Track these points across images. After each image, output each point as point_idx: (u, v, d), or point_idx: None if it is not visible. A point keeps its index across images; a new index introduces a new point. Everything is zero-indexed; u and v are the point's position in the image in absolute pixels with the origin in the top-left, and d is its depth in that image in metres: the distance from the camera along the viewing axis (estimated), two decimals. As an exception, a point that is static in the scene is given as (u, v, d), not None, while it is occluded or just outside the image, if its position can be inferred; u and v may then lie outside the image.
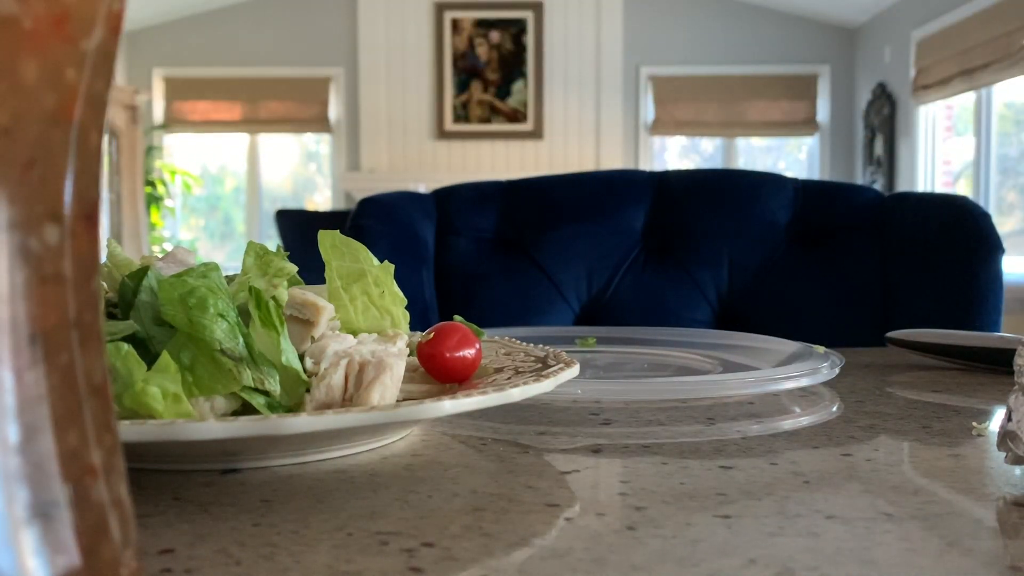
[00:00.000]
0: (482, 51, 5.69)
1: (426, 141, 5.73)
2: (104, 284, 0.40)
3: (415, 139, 5.73)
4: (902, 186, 5.13)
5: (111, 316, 0.39)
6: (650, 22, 5.74)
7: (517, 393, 0.38)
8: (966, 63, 4.50)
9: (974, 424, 0.45)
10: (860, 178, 5.69)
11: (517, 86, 5.70)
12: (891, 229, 1.10)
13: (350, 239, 0.43)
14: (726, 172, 1.23)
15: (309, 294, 0.41)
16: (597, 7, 5.68)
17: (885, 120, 5.35)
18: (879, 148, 5.41)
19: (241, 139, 5.79)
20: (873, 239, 1.09)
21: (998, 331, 1.10)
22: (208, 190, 6.04)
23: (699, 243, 1.11)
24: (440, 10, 5.67)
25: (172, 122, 5.79)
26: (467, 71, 5.70)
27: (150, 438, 0.31)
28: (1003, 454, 0.35)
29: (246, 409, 0.37)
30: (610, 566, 0.27)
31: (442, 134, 5.72)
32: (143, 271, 0.38)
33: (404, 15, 5.68)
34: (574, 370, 0.43)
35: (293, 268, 0.41)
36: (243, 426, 0.32)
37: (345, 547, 0.28)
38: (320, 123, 5.80)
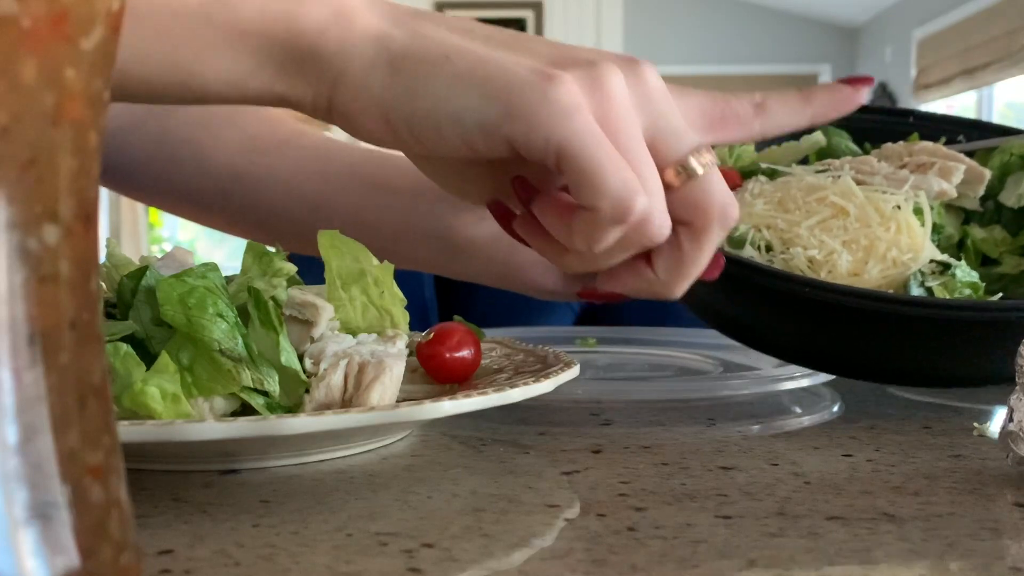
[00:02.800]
0: (482, 51, 5.69)
1: (426, 141, 5.74)
2: (103, 284, 0.40)
3: (415, 139, 5.73)
4: (902, 186, 5.14)
5: (110, 316, 0.39)
6: (650, 22, 5.75)
7: (517, 393, 0.38)
8: (967, 63, 4.50)
9: (975, 424, 0.45)
10: (860, 178, 5.69)
11: (517, 86, 5.70)
12: (891, 229, 1.09)
13: (349, 239, 0.43)
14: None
15: (309, 294, 0.40)
16: (597, 6, 5.68)
17: (885, 120, 5.35)
18: (879, 148, 5.41)
19: (241, 139, 5.80)
20: (873, 239, 1.09)
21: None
22: (208, 190, 6.04)
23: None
24: (440, 9, 5.67)
25: (172, 122, 5.79)
26: (467, 71, 5.70)
27: (149, 438, 0.31)
28: (1004, 455, 0.35)
29: (245, 410, 0.37)
30: (610, 567, 0.27)
31: (442, 134, 5.72)
32: (142, 271, 0.38)
33: (404, 15, 5.69)
34: (574, 370, 0.43)
35: (292, 268, 0.41)
36: (242, 426, 0.32)
37: (345, 548, 0.28)
38: (320, 122, 5.80)
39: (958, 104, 4.89)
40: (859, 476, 0.37)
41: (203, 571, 0.26)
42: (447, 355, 0.43)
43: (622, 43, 5.70)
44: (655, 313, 1.08)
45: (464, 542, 0.29)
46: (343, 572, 0.26)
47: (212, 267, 0.38)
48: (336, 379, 0.38)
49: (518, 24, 5.67)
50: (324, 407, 0.37)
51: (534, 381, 0.39)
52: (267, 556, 0.27)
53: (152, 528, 0.30)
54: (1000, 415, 0.47)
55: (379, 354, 0.39)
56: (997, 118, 4.55)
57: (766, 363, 0.60)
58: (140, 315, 0.37)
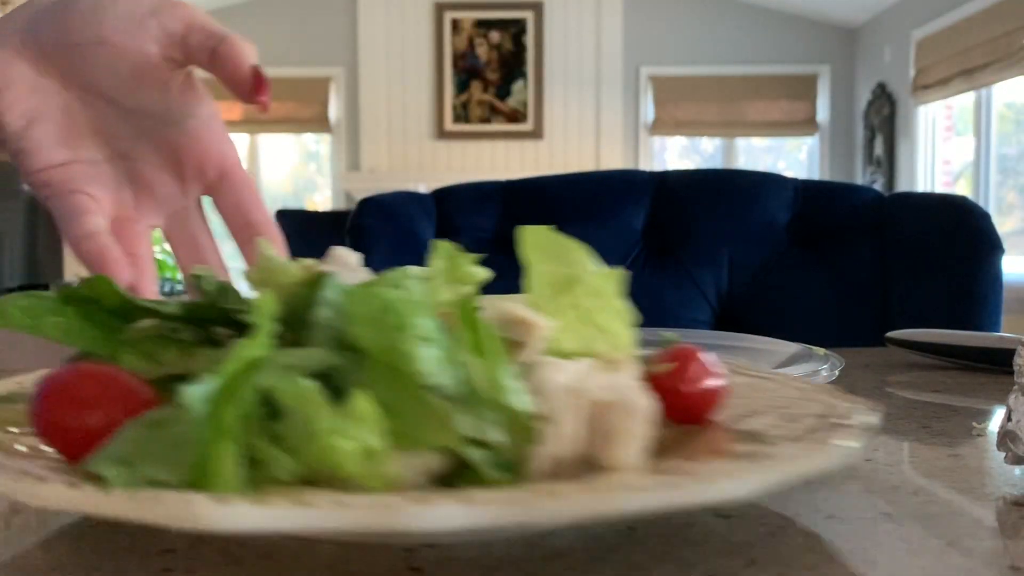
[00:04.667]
0: (482, 51, 5.69)
1: (426, 141, 5.73)
2: (270, 296, 0.28)
3: (415, 139, 5.73)
4: (902, 186, 5.13)
5: (275, 338, 0.28)
6: (650, 22, 5.75)
7: (805, 466, 0.26)
8: (966, 63, 4.50)
9: (974, 424, 0.45)
10: (860, 178, 5.69)
11: (517, 86, 5.70)
12: (891, 229, 1.10)
13: (563, 236, 0.34)
14: (726, 172, 1.23)
15: (519, 306, 0.32)
16: (597, 7, 5.68)
17: (885, 120, 5.35)
18: (879, 148, 5.41)
19: (241, 139, 5.79)
20: (873, 239, 1.09)
21: (998, 331, 1.10)
22: (208, 190, 6.03)
23: (699, 243, 1.11)
24: (440, 10, 5.67)
25: (172, 122, 5.78)
26: (467, 71, 5.70)
27: (358, 526, 0.22)
28: (1003, 454, 0.35)
29: (458, 468, 0.28)
30: (610, 566, 0.27)
31: (442, 134, 5.71)
32: (321, 278, 0.29)
33: (404, 15, 5.68)
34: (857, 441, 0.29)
35: (484, 273, 0.33)
36: (497, 511, 0.23)
37: (345, 547, 0.28)
38: (320, 123, 5.80)
39: (957, 104, 4.89)
40: (858, 475, 0.37)
41: (204, 570, 0.26)
42: (691, 388, 0.34)
43: (622, 43, 5.70)
44: (655, 313, 1.08)
45: (465, 541, 0.29)
46: (343, 571, 0.26)
47: (408, 273, 0.29)
48: (571, 425, 0.29)
49: (518, 24, 5.67)
50: (557, 464, 0.29)
51: (813, 443, 0.29)
52: (267, 555, 0.28)
53: (153, 527, 0.30)
54: (999, 414, 0.47)
55: (620, 389, 0.30)
56: (996, 118, 4.55)
57: (766, 364, 0.60)
58: (318, 337, 0.28)
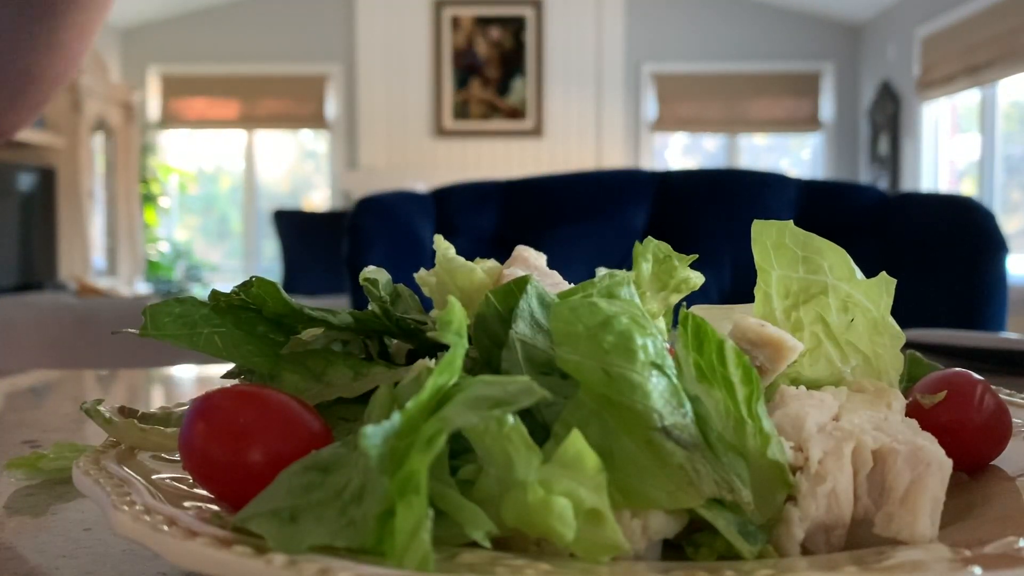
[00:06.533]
0: (481, 48, 5.68)
1: (425, 139, 5.73)
2: (458, 307, 0.22)
3: (414, 137, 5.72)
4: (906, 185, 5.12)
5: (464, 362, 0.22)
6: (652, 19, 5.74)
7: None
8: (971, 60, 4.49)
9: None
10: (864, 177, 5.68)
11: (517, 83, 5.69)
12: (895, 229, 1.09)
13: (810, 235, 0.28)
14: (728, 172, 1.22)
15: (767, 324, 0.26)
16: (598, 3, 5.67)
17: (889, 118, 5.34)
18: (883, 146, 5.40)
19: (238, 137, 5.78)
20: (877, 239, 1.08)
21: (1003, 331, 1.10)
22: (204, 189, 6.03)
23: (701, 243, 1.10)
24: (439, 7, 5.66)
25: (168, 120, 5.79)
26: (466, 68, 5.69)
27: None
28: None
29: (694, 526, 0.22)
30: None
31: (441, 132, 5.71)
32: (521, 285, 0.23)
33: (403, 12, 5.68)
34: None
35: (700, 279, 0.29)
36: None
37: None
38: (318, 120, 5.79)
39: (962, 103, 4.88)
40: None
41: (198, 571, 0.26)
42: (977, 424, 0.27)
43: (623, 40, 5.70)
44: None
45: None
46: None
47: (620, 280, 0.24)
48: (844, 481, 0.22)
49: (518, 21, 5.67)
50: (825, 531, 0.22)
51: None
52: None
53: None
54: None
55: (896, 432, 0.24)
56: (1001, 117, 4.54)
57: None
58: (516, 358, 0.22)
